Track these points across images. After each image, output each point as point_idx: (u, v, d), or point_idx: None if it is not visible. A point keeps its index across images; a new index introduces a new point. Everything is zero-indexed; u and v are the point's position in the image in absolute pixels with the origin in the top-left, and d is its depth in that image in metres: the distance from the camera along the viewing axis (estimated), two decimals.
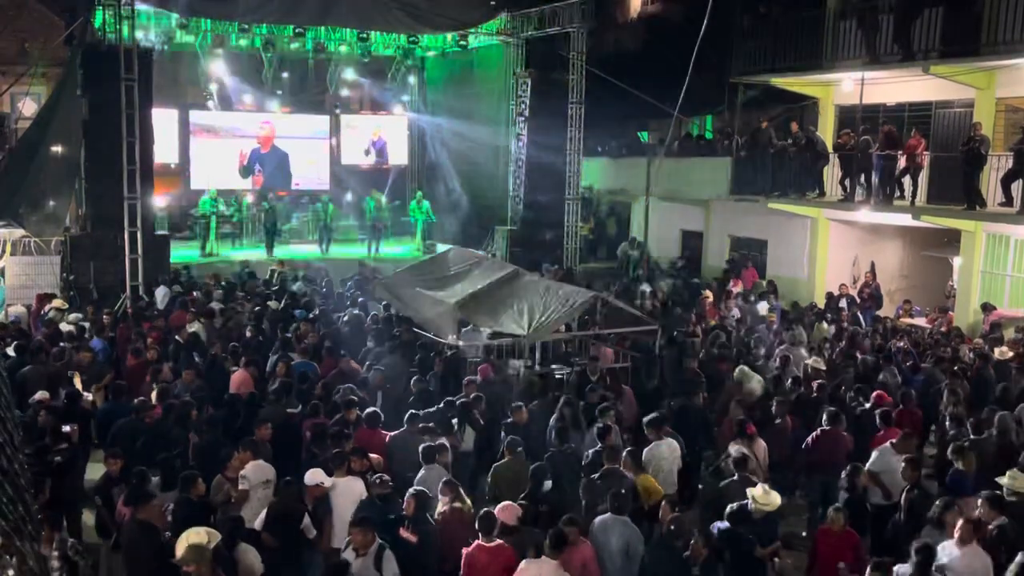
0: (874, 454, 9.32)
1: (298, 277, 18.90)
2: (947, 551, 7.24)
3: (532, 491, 8.25)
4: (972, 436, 9.72)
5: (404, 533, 7.33)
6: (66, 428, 9.21)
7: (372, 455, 8.78)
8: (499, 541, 7.18)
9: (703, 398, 11.30)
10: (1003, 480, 8.30)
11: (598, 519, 7.69)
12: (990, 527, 7.61)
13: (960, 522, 7.31)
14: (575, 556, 7.08)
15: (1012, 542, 7.48)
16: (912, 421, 10.69)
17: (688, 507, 9.16)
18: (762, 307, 17.42)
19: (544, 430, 10.00)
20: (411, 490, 7.68)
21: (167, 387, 10.66)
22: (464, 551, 7.24)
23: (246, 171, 26.26)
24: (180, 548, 6.56)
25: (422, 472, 8.58)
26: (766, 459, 9.70)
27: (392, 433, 9.65)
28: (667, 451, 9.39)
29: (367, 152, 28.25)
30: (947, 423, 10.55)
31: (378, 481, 8.01)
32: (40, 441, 8.91)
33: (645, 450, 9.30)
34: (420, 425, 9.50)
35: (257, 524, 7.72)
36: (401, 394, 11.29)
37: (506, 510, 7.50)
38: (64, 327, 13.72)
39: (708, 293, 18.63)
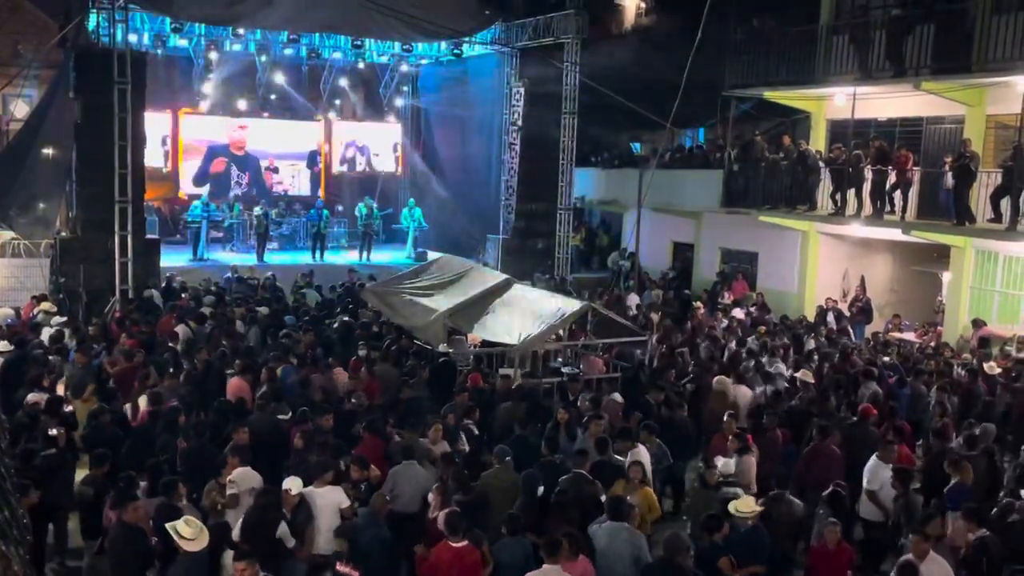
0: (867, 472, 9.25)
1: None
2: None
3: (525, 500, 8.18)
4: (965, 452, 9.67)
5: (341, 568, 7.06)
6: (52, 431, 9.14)
7: (373, 467, 8.68)
8: (465, 542, 7.14)
9: (683, 408, 11.23)
10: None
11: (601, 525, 7.59)
12: (971, 538, 7.59)
13: (912, 538, 7.29)
14: (574, 570, 6.92)
15: (994, 555, 7.46)
16: (899, 435, 10.67)
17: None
18: (738, 313, 17.50)
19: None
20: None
21: (159, 392, 10.48)
22: (429, 549, 7.22)
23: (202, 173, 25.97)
24: (174, 533, 6.69)
25: (397, 467, 8.57)
26: (752, 470, 9.66)
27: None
28: (644, 461, 9.34)
29: (342, 161, 28.17)
30: (931, 437, 10.56)
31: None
32: (28, 444, 8.85)
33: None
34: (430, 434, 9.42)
35: (235, 532, 7.60)
36: (391, 401, 11.26)
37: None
38: (47, 331, 13.62)
39: (700, 304, 18.66)
